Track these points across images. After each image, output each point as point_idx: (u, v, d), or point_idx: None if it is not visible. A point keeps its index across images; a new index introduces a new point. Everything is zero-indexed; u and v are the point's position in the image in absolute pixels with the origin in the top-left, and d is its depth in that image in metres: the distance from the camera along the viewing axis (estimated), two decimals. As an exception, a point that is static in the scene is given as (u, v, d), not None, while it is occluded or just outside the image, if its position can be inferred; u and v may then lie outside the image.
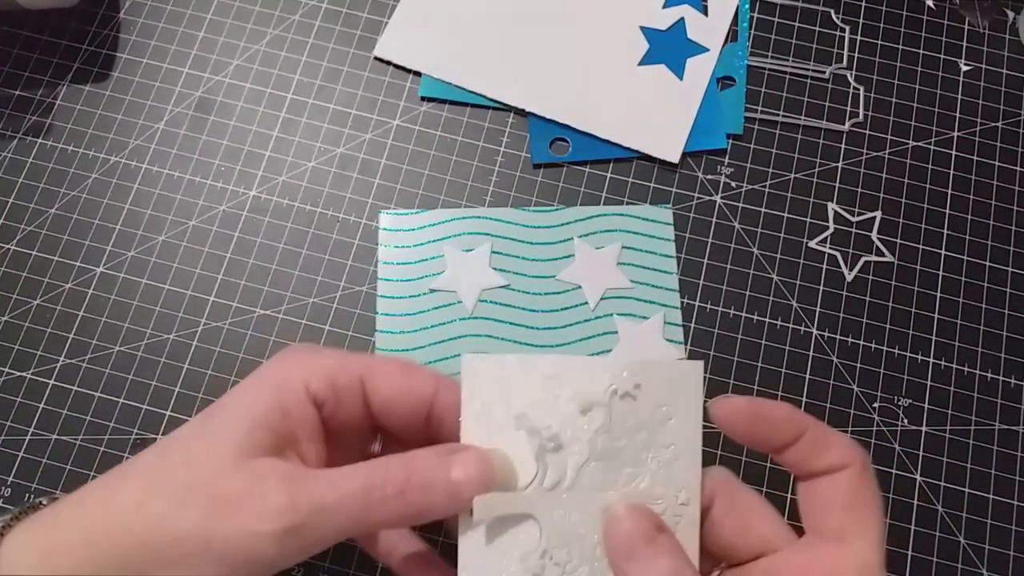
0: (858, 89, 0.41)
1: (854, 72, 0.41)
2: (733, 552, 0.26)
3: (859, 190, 0.39)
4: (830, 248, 0.39)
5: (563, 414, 0.25)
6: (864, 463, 0.24)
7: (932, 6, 0.43)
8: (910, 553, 0.34)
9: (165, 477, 0.24)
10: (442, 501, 0.24)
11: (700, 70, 0.41)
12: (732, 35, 0.42)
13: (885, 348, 0.37)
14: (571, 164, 0.40)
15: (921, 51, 0.42)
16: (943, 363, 0.37)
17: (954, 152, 0.40)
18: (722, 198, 0.39)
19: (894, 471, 0.35)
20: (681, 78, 0.41)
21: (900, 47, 0.42)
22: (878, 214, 0.39)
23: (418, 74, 0.41)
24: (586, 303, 0.37)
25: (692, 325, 0.37)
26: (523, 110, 0.40)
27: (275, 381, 0.26)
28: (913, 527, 0.34)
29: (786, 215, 0.39)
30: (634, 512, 0.24)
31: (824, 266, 0.38)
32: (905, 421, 0.36)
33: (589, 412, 0.25)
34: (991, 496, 0.35)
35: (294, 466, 0.24)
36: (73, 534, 0.24)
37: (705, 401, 0.25)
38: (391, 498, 0.24)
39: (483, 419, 0.25)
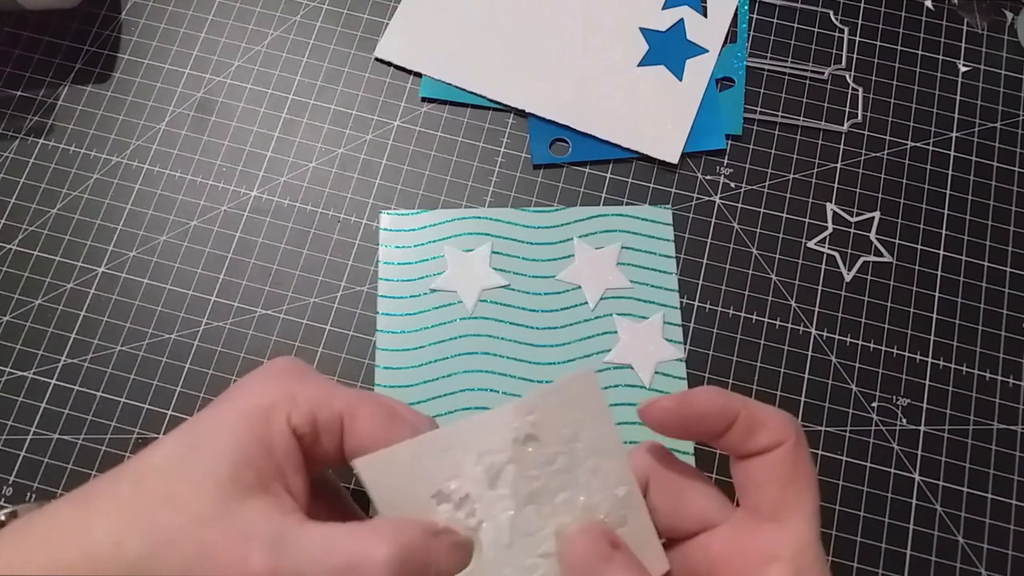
0: (857, 90, 0.41)
1: (853, 73, 0.42)
2: (672, 532, 0.26)
3: (858, 190, 0.40)
4: (829, 248, 0.39)
5: (475, 479, 0.25)
6: (797, 439, 0.24)
7: (931, 7, 0.43)
8: (909, 552, 0.34)
9: (145, 516, 0.23)
10: None
11: (699, 71, 0.41)
12: (731, 36, 0.42)
13: (884, 348, 0.37)
14: (571, 164, 0.40)
15: (920, 52, 0.42)
16: (941, 363, 0.37)
17: (952, 153, 0.40)
18: (721, 198, 0.39)
19: (893, 470, 0.35)
20: (680, 79, 0.41)
21: (899, 48, 0.42)
22: (877, 214, 0.39)
23: (419, 75, 0.41)
24: (586, 303, 0.37)
25: (691, 325, 0.37)
26: (523, 111, 0.40)
27: (258, 411, 0.25)
28: (912, 526, 0.35)
29: (785, 215, 0.39)
30: (586, 533, 0.24)
31: (823, 266, 0.38)
32: (904, 421, 0.36)
33: (500, 470, 0.25)
34: (989, 495, 0.35)
35: (280, 517, 0.23)
36: (40, 567, 0.23)
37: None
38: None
39: (400, 510, 0.24)
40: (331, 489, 0.29)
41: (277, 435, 0.24)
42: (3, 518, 0.26)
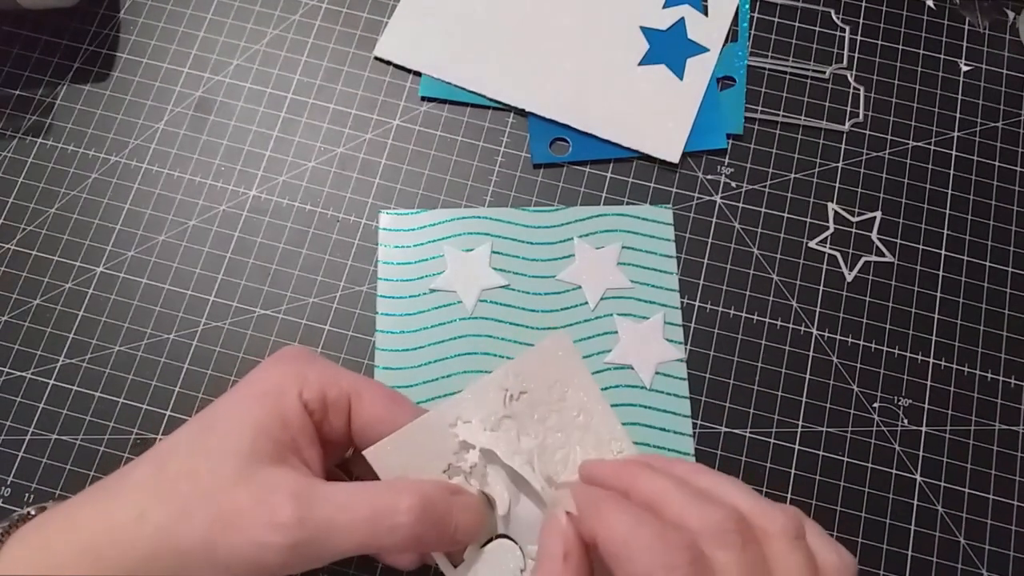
0: (858, 89, 0.41)
1: (854, 72, 0.41)
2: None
3: (859, 190, 0.39)
4: (830, 248, 0.39)
5: (482, 442, 0.26)
6: None
7: (932, 6, 0.43)
8: (910, 553, 0.34)
9: (167, 488, 0.24)
10: (444, 539, 0.25)
11: (700, 70, 0.41)
12: (732, 35, 0.42)
13: (885, 348, 0.37)
14: (571, 164, 0.40)
15: (921, 51, 0.42)
16: (943, 363, 0.37)
17: (954, 152, 0.40)
18: (722, 198, 0.39)
19: (894, 471, 0.35)
20: (681, 78, 0.41)
21: (900, 47, 0.42)
22: (878, 214, 0.39)
23: (418, 74, 0.41)
24: (586, 303, 0.37)
25: (692, 325, 0.37)
26: (523, 110, 0.40)
27: (272, 389, 0.26)
28: (913, 527, 0.34)
29: (786, 215, 0.39)
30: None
31: (824, 266, 0.38)
32: (905, 421, 0.36)
33: (499, 426, 0.26)
34: (991, 496, 0.35)
35: (302, 478, 0.25)
36: (70, 551, 0.23)
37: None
38: (400, 527, 0.24)
39: None
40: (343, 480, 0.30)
41: (290, 410, 0.26)
42: (33, 512, 0.26)
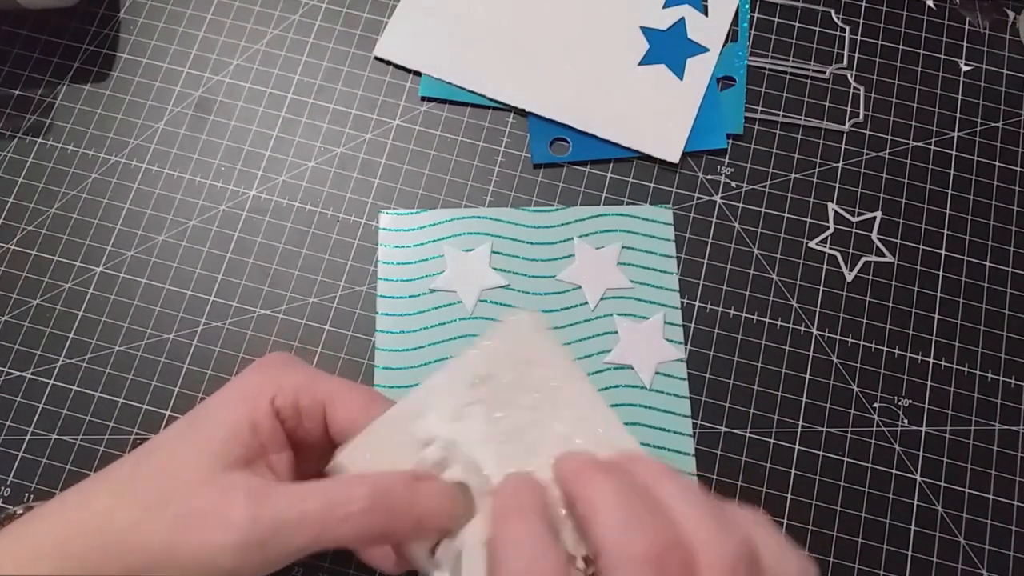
0: (858, 89, 0.41)
1: (854, 72, 0.41)
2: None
3: (859, 190, 0.39)
4: (830, 248, 0.39)
5: (444, 434, 0.25)
6: None
7: (932, 6, 0.43)
8: (910, 553, 0.34)
9: (140, 484, 0.25)
10: (406, 528, 0.24)
11: (700, 70, 0.41)
12: (732, 35, 0.42)
13: (885, 348, 0.37)
14: (571, 164, 0.40)
15: (921, 51, 0.42)
16: (943, 363, 0.37)
17: (954, 152, 0.40)
18: (722, 198, 0.39)
19: (894, 471, 0.35)
20: (681, 78, 0.41)
21: (900, 47, 0.42)
22: (878, 214, 0.39)
23: (418, 74, 0.41)
24: (586, 303, 0.37)
25: (692, 325, 0.37)
26: (523, 110, 0.40)
27: (248, 394, 0.27)
28: (913, 527, 0.34)
29: (786, 215, 0.39)
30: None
31: (824, 266, 0.38)
32: (905, 421, 0.36)
33: (465, 414, 0.25)
34: (991, 497, 0.35)
35: (261, 480, 0.25)
36: (47, 542, 0.24)
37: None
38: (353, 517, 0.24)
39: None
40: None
41: (262, 416, 0.26)
42: (20, 511, 0.28)
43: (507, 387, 0.26)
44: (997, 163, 0.40)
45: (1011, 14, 0.43)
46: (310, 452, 0.28)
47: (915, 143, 0.40)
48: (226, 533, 0.23)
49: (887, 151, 0.40)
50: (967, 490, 0.35)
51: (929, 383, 0.36)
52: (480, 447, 0.25)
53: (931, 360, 0.37)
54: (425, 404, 0.26)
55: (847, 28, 0.42)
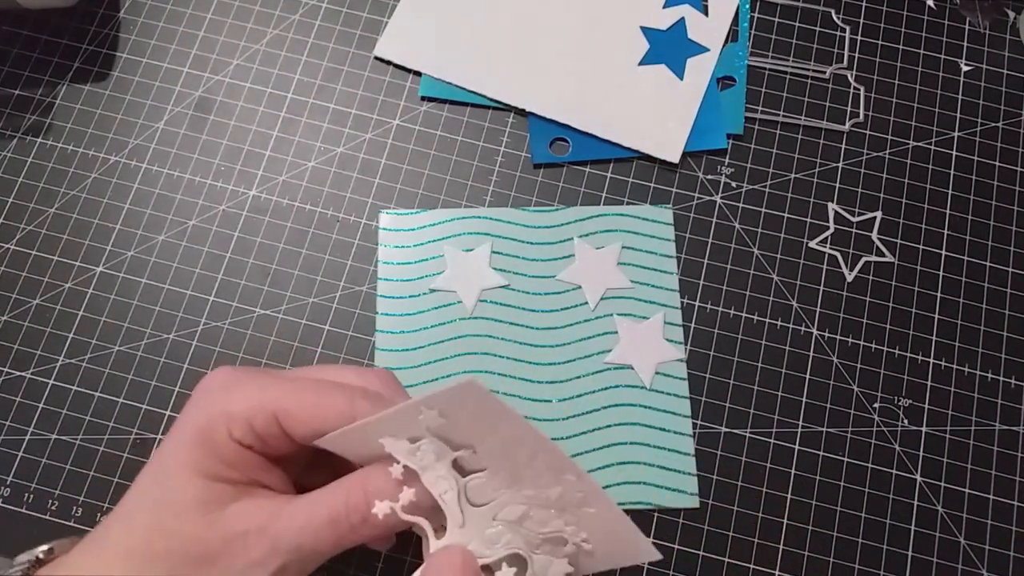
0: (858, 89, 0.41)
1: (854, 72, 0.41)
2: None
3: (859, 190, 0.39)
4: (830, 248, 0.38)
5: (403, 461, 0.25)
6: None
7: (933, 6, 0.43)
8: (910, 554, 0.34)
9: (144, 548, 0.25)
10: (397, 524, 0.25)
11: (700, 70, 0.41)
12: (732, 35, 0.42)
13: (885, 348, 0.37)
14: (571, 164, 0.40)
15: (922, 51, 0.42)
16: (943, 363, 0.37)
17: (955, 152, 0.40)
18: (722, 198, 0.39)
19: (894, 471, 0.35)
20: (681, 78, 0.41)
21: (901, 47, 0.42)
22: (878, 214, 0.39)
23: (418, 74, 0.41)
24: (586, 303, 0.37)
25: (692, 325, 0.37)
26: (523, 110, 0.40)
27: (202, 437, 0.26)
28: (913, 528, 0.34)
29: (786, 215, 0.39)
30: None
31: (824, 266, 0.38)
32: (905, 422, 0.36)
33: (427, 449, 0.24)
34: (991, 497, 0.35)
35: (266, 504, 0.25)
36: None
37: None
38: (358, 525, 0.25)
39: None
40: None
41: (228, 453, 0.26)
42: (41, 556, 0.27)
43: (463, 431, 0.24)
44: (997, 163, 0.40)
45: (1011, 14, 0.43)
46: (295, 456, 0.28)
47: (915, 143, 0.40)
48: (253, 570, 0.24)
49: (887, 151, 0.40)
50: (967, 490, 0.35)
51: (929, 383, 0.36)
52: (441, 483, 0.24)
53: (931, 360, 0.37)
54: (386, 428, 0.25)
55: (847, 28, 0.42)
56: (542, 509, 0.24)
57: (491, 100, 0.41)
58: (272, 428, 0.26)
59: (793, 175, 0.40)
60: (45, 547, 0.27)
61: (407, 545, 0.34)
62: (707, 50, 0.41)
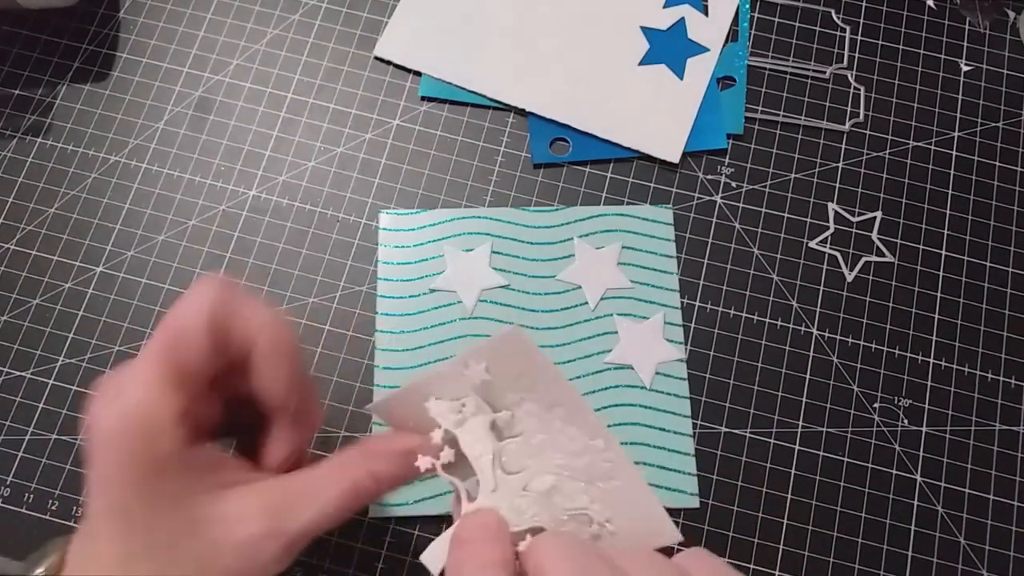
0: (859, 89, 0.41)
1: (855, 72, 0.41)
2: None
3: (859, 190, 0.39)
4: (830, 248, 0.38)
5: (448, 425, 0.25)
6: None
7: (933, 6, 0.43)
8: (910, 554, 0.34)
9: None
10: (408, 474, 0.26)
11: (700, 70, 0.41)
12: (732, 35, 0.42)
13: (885, 348, 0.37)
14: (571, 164, 0.40)
15: (922, 51, 0.42)
16: (943, 364, 0.37)
17: (955, 152, 0.40)
18: (722, 198, 0.39)
19: (894, 471, 0.35)
20: (681, 78, 0.41)
21: (901, 47, 0.42)
22: (878, 214, 0.39)
23: (418, 74, 0.41)
24: (586, 303, 0.37)
25: (692, 325, 0.37)
26: (523, 110, 0.40)
27: (123, 438, 0.24)
28: (913, 528, 0.34)
29: (786, 215, 0.39)
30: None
31: (824, 266, 0.38)
32: (905, 422, 0.36)
33: (469, 413, 0.25)
34: (991, 497, 0.35)
35: (256, 499, 0.25)
36: None
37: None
38: (363, 495, 0.26)
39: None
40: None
41: (163, 455, 0.24)
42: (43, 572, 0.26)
43: (505, 392, 0.25)
44: (997, 163, 0.40)
45: (1011, 14, 0.43)
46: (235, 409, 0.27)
47: (915, 143, 0.40)
48: (263, 541, 0.24)
49: (887, 151, 0.40)
50: (967, 490, 0.35)
51: (929, 383, 0.36)
52: (478, 444, 0.25)
53: (931, 360, 0.37)
54: (430, 391, 0.26)
55: (847, 28, 0.42)
56: (570, 481, 0.25)
57: (491, 100, 0.41)
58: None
59: (793, 175, 0.40)
60: (41, 571, 0.26)
61: (407, 545, 0.34)
62: (707, 50, 0.41)
